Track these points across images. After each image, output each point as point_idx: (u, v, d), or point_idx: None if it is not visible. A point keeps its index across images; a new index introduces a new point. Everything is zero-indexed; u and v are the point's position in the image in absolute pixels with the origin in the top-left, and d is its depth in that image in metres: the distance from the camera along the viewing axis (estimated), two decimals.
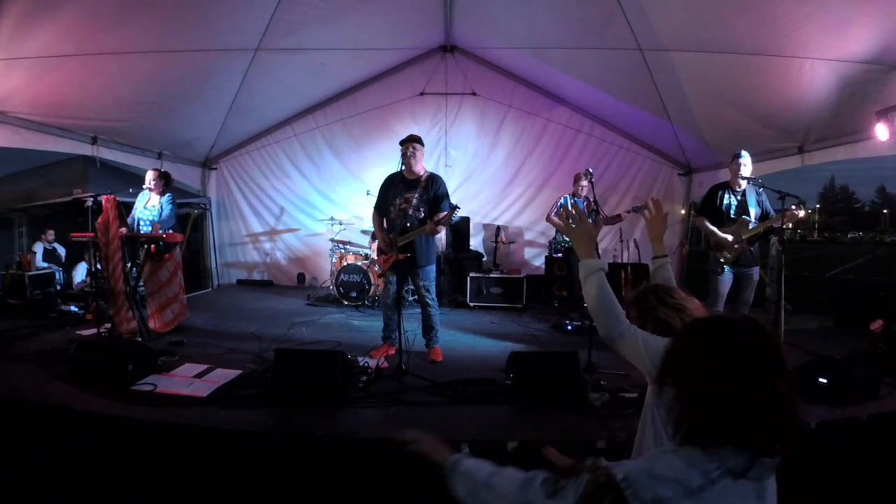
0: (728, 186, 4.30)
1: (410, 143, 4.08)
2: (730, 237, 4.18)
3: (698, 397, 0.94)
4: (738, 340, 0.94)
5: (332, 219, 7.18)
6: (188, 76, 5.44)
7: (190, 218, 7.91)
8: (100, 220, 4.30)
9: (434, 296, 4.22)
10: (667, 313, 1.62)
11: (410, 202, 4.04)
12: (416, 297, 4.40)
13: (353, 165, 7.69)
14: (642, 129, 7.14)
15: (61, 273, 6.95)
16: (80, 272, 7.09)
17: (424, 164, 4.25)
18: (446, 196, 4.11)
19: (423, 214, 4.03)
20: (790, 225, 4.13)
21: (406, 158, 4.07)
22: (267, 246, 8.09)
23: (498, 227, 7.45)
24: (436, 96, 7.39)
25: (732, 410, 0.90)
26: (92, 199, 4.48)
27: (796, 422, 0.93)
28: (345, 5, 5.17)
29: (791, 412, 0.92)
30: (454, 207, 3.96)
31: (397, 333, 3.79)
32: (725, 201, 4.28)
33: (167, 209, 4.74)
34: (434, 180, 4.12)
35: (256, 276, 8.11)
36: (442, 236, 6.89)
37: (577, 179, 5.62)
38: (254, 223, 8.03)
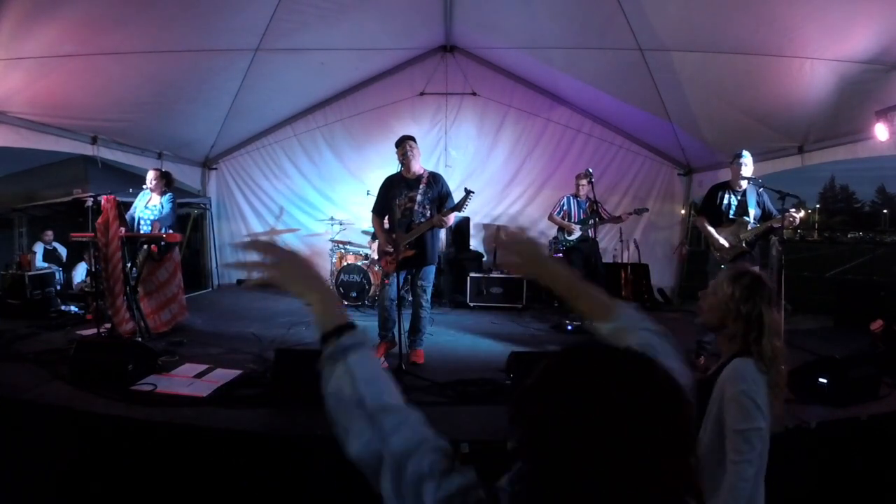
0: (729, 186, 4.29)
1: (406, 142, 4.07)
2: (726, 243, 4.14)
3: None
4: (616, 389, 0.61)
5: (331, 219, 7.17)
6: (188, 76, 5.43)
7: (190, 218, 7.90)
8: (100, 220, 4.29)
9: (429, 298, 4.19)
10: (761, 307, 1.56)
11: (415, 199, 4.02)
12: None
13: (353, 165, 7.68)
14: (642, 129, 7.13)
15: (61, 273, 6.94)
16: (80, 272, 7.08)
17: (425, 164, 4.24)
18: (451, 194, 4.13)
19: (428, 212, 4.00)
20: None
21: (405, 158, 4.06)
22: None
23: (498, 227, 7.44)
24: (436, 96, 7.37)
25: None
26: (92, 199, 4.47)
27: None
28: (345, 5, 5.16)
29: None
30: (469, 192, 3.92)
31: (395, 331, 3.78)
32: (725, 201, 4.27)
33: (167, 208, 4.74)
34: (436, 179, 4.12)
35: (256, 276, 8.07)
36: (442, 236, 6.89)
37: (578, 179, 5.63)
38: (254, 223, 8.00)
